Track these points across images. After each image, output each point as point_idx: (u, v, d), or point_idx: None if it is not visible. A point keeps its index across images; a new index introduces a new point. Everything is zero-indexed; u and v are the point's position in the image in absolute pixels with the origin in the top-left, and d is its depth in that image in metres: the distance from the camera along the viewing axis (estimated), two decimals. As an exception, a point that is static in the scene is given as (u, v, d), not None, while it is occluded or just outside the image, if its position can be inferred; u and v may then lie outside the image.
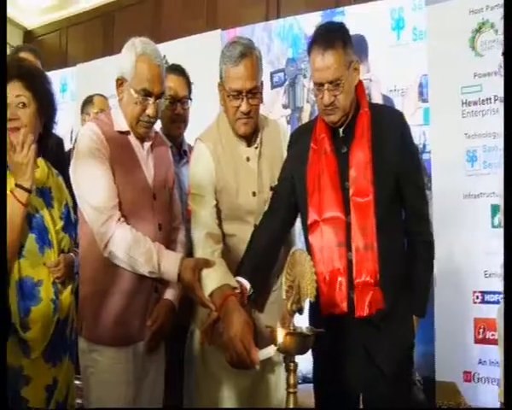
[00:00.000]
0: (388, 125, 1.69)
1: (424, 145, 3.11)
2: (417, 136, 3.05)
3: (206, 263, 1.65)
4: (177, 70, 2.27)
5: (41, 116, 1.71)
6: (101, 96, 3.19)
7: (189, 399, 1.91)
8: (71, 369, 1.76)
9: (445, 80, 2.99)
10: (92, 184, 1.69)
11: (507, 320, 1.28)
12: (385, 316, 1.63)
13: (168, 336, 1.84)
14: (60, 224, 1.74)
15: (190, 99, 2.29)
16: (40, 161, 1.74)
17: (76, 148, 1.78)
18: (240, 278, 1.67)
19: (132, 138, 1.80)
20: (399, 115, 1.76)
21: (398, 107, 3.04)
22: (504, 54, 1.57)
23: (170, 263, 1.67)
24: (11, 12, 5.99)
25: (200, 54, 3.69)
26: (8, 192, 1.57)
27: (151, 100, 1.73)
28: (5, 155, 1.37)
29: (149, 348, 1.77)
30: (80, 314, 1.76)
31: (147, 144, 1.83)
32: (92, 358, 1.71)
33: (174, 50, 3.55)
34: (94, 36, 5.41)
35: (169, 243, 1.81)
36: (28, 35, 6.14)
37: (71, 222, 1.80)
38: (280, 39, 3.74)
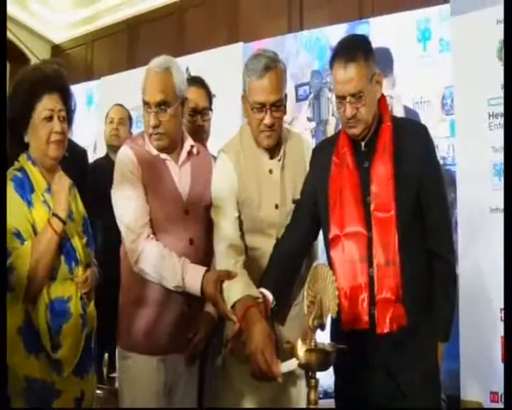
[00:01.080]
0: (411, 140, 1.66)
1: (452, 158, 3.06)
2: (445, 148, 3.00)
3: (228, 275, 1.64)
4: (197, 81, 2.27)
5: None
6: (119, 105, 3.22)
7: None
8: (95, 380, 1.78)
9: (472, 92, 2.94)
10: (124, 205, 1.75)
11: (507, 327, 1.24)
12: (406, 334, 1.59)
13: (207, 349, 1.85)
14: (84, 239, 1.75)
15: (211, 110, 2.29)
16: (58, 170, 1.75)
17: (114, 170, 1.83)
18: (263, 290, 1.66)
19: (164, 155, 1.82)
20: (423, 129, 1.72)
21: (423, 119, 3.00)
22: (505, 55, 1.53)
23: (193, 277, 1.67)
24: (39, 27, 6.17)
25: (222, 66, 3.72)
26: (46, 220, 1.61)
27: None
28: (5, 155, 1.39)
29: (189, 360, 1.78)
30: (118, 322, 1.80)
31: (181, 157, 1.85)
32: (125, 364, 1.75)
33: (197, 63, 3.58)
34: (118, 49, 5.51)
35: (203, 257, 1.81)
36: (56, 49, 6.30)
37: (90, 235, 1.82)
38: (306, 51, 3.74)
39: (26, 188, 1.64)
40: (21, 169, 1.67)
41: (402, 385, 1.59)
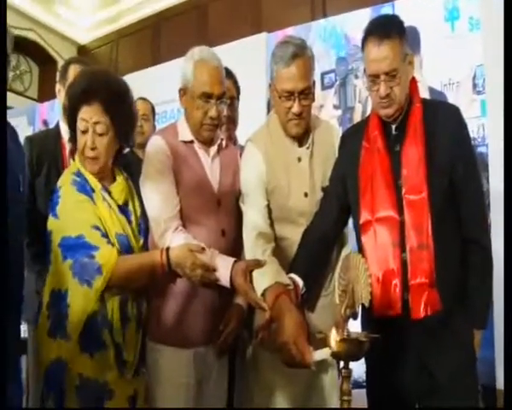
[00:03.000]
0: (443, 121, 1.62)
1: (483, 138, 2.98)
2: (475, 128, 2.91)
3: (257, 264, 1.62)
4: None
5: (119, 138, 1.68)
6: (142, 99, 3.16)
7: (240, 403, 1.90)
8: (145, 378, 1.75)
9: (503, 70, 2.83)
10: (152, 197, 1.73)
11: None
12: (440, 321, 1.55)
13: (237, 341, 1.84)
14: (140, 242, 1.73)
15: (238, 100, 2.28)
16: (119, 173, 1.75)
17: (144, 161, 1.82)
18: (293, 275, 1.64)
19: (197, 146, 1.82)
20: (455, 110, 1.67)
21: (452, 101, 2.93)
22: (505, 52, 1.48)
23: (222, 268, 1.65)
24: (65, 29, 6.28)
25: (246, 58, 3.70)
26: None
27: (212, 101, 1.76)
28: (5, 154, 1.38)
29: (219, 352, 1.78)
30: (148, 315, 1.78)
31: (212, 150, 1.85)
32: (155, 357, 1.73)
33: (221, 56, 3.57)
34: (142, 46, 5.56)
35: (235, 247, 1.80)
36: (82, 50, 6.41)
37: (146, 236, 1.78)
38: (322, 40, 3.68)
39: (87, 189, 1.62)
40: (78, 173, 1.64)
41: (436, 375, 1.55)
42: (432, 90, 3.14)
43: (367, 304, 1.31)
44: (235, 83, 2.29)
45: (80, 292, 1.52)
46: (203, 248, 1.61)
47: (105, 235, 1.58)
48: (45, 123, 5.37)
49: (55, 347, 1.54)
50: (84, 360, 1.53)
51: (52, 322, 1.56)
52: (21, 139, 1.72)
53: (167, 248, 1.59)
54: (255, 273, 1.61)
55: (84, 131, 1.61)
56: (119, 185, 1.72)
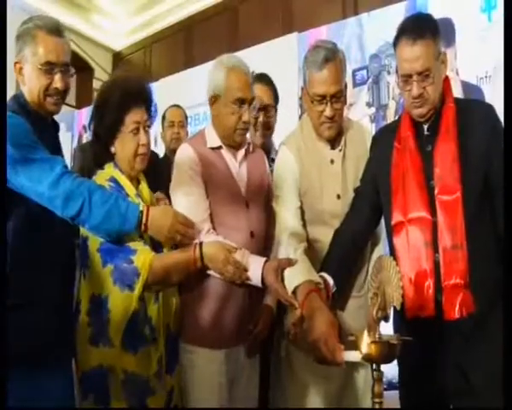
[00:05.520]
0: (476, 120, 1.59)
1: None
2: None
3: (289, 262, 1.63)
4: (263, 79, 2.29)
5: None
6: (177, 106, 3.21)
7: (274, 402, 1.91)
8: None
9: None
10: (183, 201, 1.76)
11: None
12: (475, 324, 1.52)
13: (267, 341, 1.86)
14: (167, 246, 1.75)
15: (275, 108, 2.30)
16: (142, 178, 1.78)
17: (173, 169, 1.86)
18: (324, 274, 1.65)
19: (224, 152, 1.86)
20: (489, 108, 1.64)
21: (488, 95, 2.84)
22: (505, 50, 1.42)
23: (253, 268, 1.66)
24: (100, 37, 6.44)
25: (278, 58, 3.70)
26: None
27: (245, 106, 1.79)
28: (5, 154, 1.39)
29: (249, 352, 1.80)
30: (181, 318, 1.81)
31: (240, 154, 1.88)
32: (189, 358, 1.76)
33: (252, 57, 3.59)
34: (175, 51, 5.65)
35: (263, 249, 1.82)
36: (116, 56, 6.56)
37: None
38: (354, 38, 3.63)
39: (122, 194, 1.63)
40: (112, 179, 1.67)
41: (469, 376, 1.52)
42: (467, 85, 3.05)
43: (398, 307, 1.29)
44: (275, 91, 2.31)
45: (121, 297, 1.55)
46: (235, 249, 1.64)
47: (141, 237, 1.61)
48: (85, 128, 5.54)
49: (96, 354, 1.55)
50: (128, 357, 1.55)
51: (93, 329, 1.57)
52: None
53: (200, 243, 1.63)
54: (286, 272, 1.62)
55: (136, 132, 1.66)
56: (145, 189, 1.76)
